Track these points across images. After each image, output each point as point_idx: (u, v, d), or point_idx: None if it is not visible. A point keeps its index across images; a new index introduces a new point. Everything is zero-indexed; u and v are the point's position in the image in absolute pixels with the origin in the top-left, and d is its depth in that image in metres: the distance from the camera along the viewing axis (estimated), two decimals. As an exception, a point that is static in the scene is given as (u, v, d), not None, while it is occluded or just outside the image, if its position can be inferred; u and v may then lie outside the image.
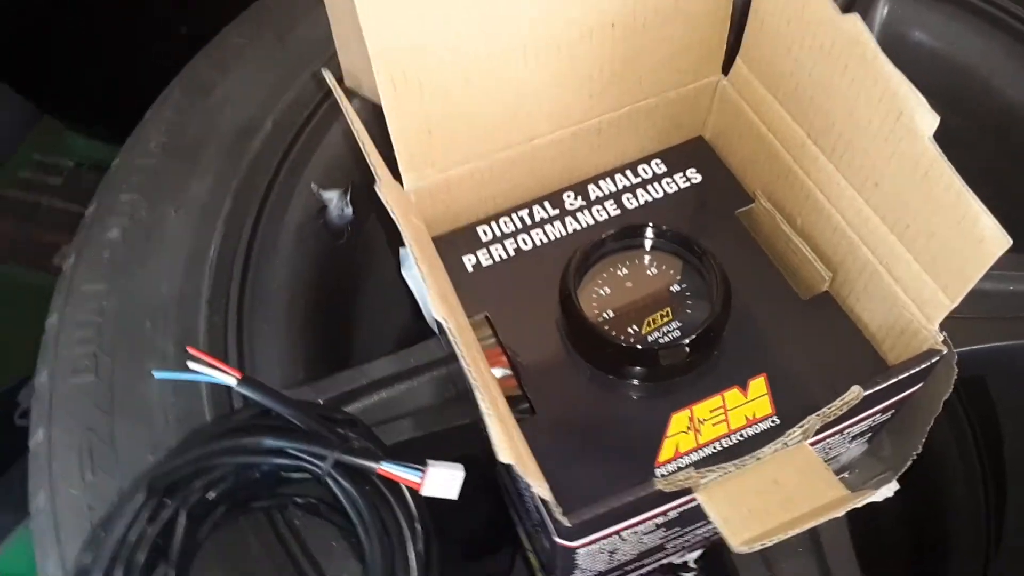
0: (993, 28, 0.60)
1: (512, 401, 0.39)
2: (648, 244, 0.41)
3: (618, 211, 0.44)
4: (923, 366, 0.34)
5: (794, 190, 0.40)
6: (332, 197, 0.55)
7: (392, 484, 0.37)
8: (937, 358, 0.34)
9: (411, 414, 0.43)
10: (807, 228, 0.41)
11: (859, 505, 0.32)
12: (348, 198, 0.53)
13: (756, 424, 0.36)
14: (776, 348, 0.39)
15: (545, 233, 0.44)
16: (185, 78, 0.61)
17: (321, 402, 0.44)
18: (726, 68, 0.44)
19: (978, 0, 0.61)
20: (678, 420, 0.37)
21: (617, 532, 0.33)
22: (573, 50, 0.39)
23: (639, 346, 0.38)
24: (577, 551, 0.34)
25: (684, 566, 0.46)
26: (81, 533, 0.40)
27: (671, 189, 0.45)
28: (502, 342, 0.40)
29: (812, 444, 0.36)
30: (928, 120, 0.31)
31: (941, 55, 0.63)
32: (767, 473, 0.34)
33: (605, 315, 0.39)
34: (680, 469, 0.35)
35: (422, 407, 0.43)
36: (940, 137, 0.67)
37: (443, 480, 0.37)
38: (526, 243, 0.43)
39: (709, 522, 0.33)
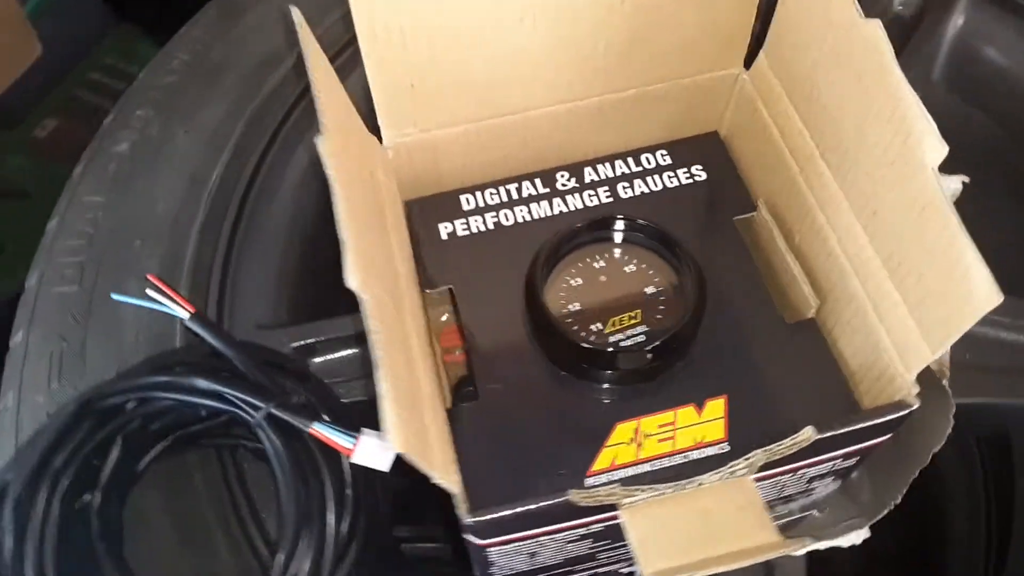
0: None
1: (459, 382, 0.38)
2: (629, 239, 0.38)
3: (611, 199, 0.42)
4: (888, 418, 0.31)
5: (796, 204, 0.37)
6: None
7: (329, 447, 0.37)
8: (907, 411, 0.31)
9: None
10: (804, 247, 0.38)
11: (791, 554, 0.30)
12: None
13: (704, 448, 0.34)
14: (746, 370, 0.36)
15: (530, 211, 0.41)
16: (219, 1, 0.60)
17: (288, 350, 0.44)
18: (749, 61, 0.40)
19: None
20: (622, 430, 0.35)
21: (532, 537, 0.32)
22: (577, 19, 0.36)
23: (596, 346, 0.36)
24: (487, 549, 0.32)
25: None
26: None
27: (671, 184, 0.42)
28: (460, 319, 0.38)
29: (760, 480, 0.33)
30: (935, 149, 0.28)
31: (1015, 77, 0.58)
32: (700, 503, 0.32)
33: (571, 308, 0.37)
34: (611, 482, 0.33)
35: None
36: (990, 170, 0.62)
37: (374, 450, 0.36)
38: (508, 218, 0.41)
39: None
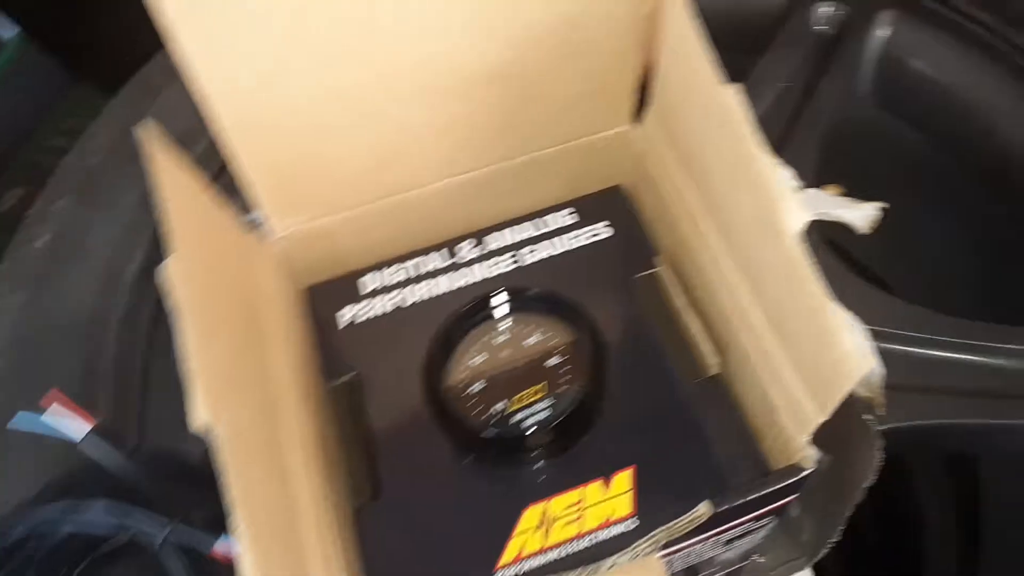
0: (996, 64, 0.55)
1: (358, 481, 0.36)
2: (525, 309, 0.38)
3: (514, 265, 0.41)
4: (785, 484, 0.30)
5: (692, 261, 0.37)
6: (255, 217, 0.53)
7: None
8: (802, 475, 0.30)
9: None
10: (702, 302, 0.37)
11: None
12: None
13: (612, 526, 0.33)
14: (653, 436, 0.35)
15: (430, 288, 0.41)
16: (140, 77, 0.60)
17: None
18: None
19: (984, 32, 0.56)
20: (530, 515, 0.34)
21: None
22: (458, 94, 0.36)
23: (498, 428, 0.35)
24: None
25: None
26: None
27: (575, 244, 0.41)
28: (362, 411, 0.37)
29: (671, 553, 0.32)
30: (796, 217, 0.27)
31: (941, 87, 0.57)
32: (607, 589, 0.31)
33: (475, 388, 0.36)
34: None
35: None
36: (931, 178, 0.61)
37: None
38: (411, 296, 0.40)
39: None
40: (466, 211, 0.41)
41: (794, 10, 0.57)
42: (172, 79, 0.60)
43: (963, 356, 0.43)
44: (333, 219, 0.39)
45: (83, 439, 0.37)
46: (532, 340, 0.37)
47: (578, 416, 0.35)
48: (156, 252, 0.52)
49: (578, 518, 0.33)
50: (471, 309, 0.37)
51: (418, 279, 0.41)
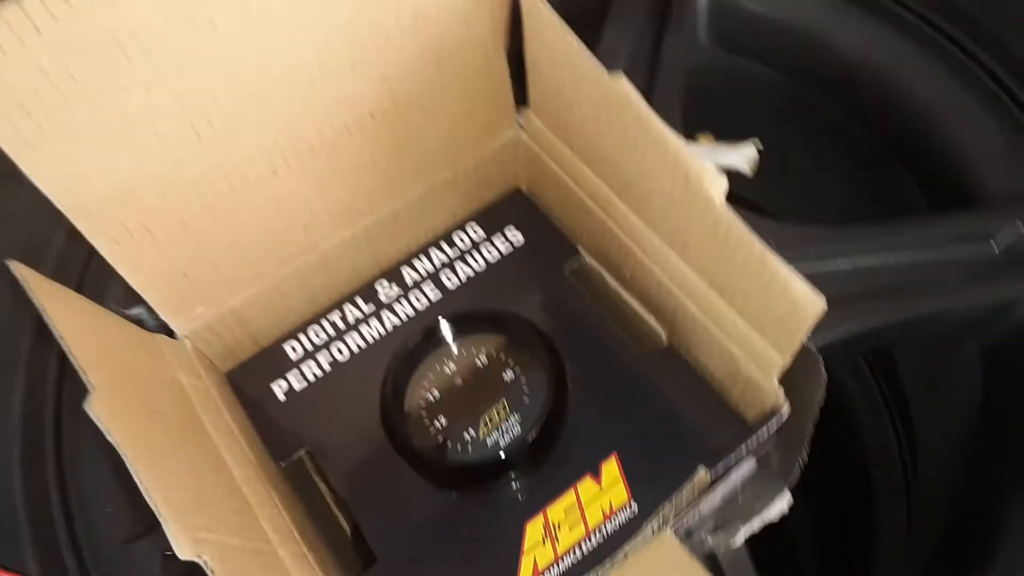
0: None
1: (346, 555, 0.35)
2: (465, 332, 0.37)
3: (439, 294, 0.40)
4: (767, 428, 0.32)
5: (615, 244, 0.37)
6: (141, 312, 0.49)
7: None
8: (781, 416, 0.32)
9: None
10: (636, 281, 0.38)
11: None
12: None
13: (614, 516, 0.34)
14: (625, 420, 0.36)
15: (362, 336, 0.39)
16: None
17: (161, 557, 0.40)
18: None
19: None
20: (533, 530, 0.34)
21: None
22: (333, 150, 0.34)
23: (475, 456, 0.34)
24: None
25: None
26: None
27: (492, 257, 0.41)
28: (329, 483, 0.36)
29: (678, 523, 0.33)
30: (717, 185, 0.28)
31: (776, 21, 0.61)
32: (631, 579, 0.31)
33: (438, 423, 0.36)
34: (540, 592, 0.32)
35: None
36: (784, 104, 0.65)
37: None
38: (342, 352, 0.39)
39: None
40: (373, 254, 0.40)
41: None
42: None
43: (855, 263, 0.45)
44: (236, 301, 0.36)
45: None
46: (481, 360, 0.37)
47: (549, 422, 0.35)
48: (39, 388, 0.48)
49: (581, 518, 0.34)
50: (412, 348, 0.37)
51: (346, 331, 0.39)
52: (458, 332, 0.37)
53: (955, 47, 0.52)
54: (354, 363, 0.38)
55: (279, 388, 0.38)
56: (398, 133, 0.35)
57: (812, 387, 0.34)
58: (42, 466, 0.45)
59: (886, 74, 0.55)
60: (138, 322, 0.36)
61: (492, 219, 0.42)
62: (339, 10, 0.30)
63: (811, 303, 0.27)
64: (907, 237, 0.44)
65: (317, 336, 0.39)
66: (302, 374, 0.38)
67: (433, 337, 0.37)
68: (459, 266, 0.41)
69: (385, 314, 0.40)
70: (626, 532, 0.33)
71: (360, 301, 0.40)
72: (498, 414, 0.36)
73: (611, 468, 0.35)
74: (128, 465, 0.23)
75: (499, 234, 0.42)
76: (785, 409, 0.32)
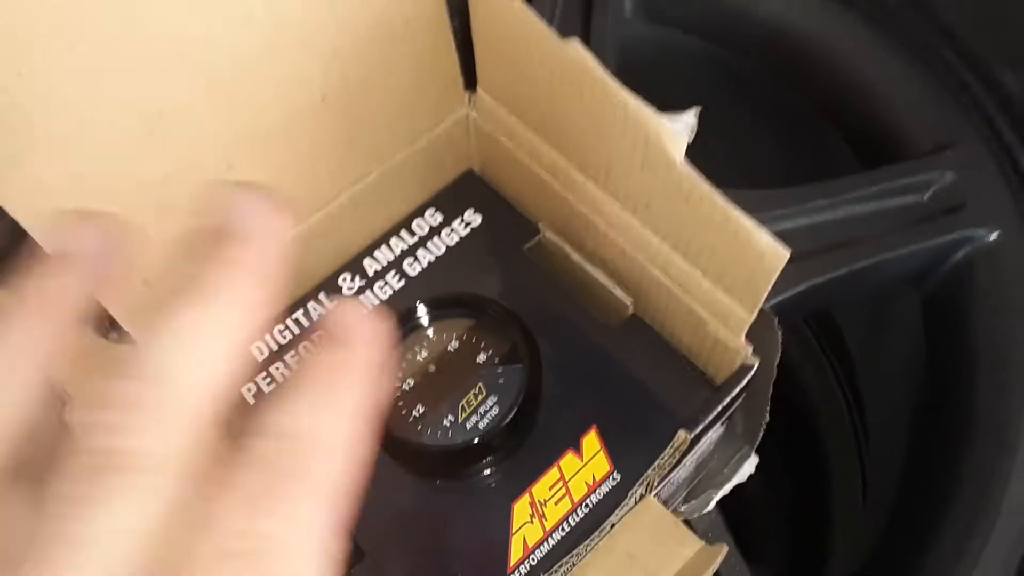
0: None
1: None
2: (433, 318, 0.37)
3: (402, 282, 0.40)
4: (741, 385, 0.32)
5: (573, 217, 0.37)
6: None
7: None
8: (751, 372, 0.33)
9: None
10: (598, 252, 0.38)
11: (718, 558, 0.30)
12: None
13: (598, 488, 0.34)
14: (598, 391, 0.36)
15: (328, 331, 0.38)
16: None
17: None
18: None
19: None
20: (520, 509, 0.33)
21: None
22: (287, 136, 0.33)
23: (456, 441, 0.34)
24: None
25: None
26: None
27: (452, 241, 0.41)
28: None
29: (660, 490, 0.33)
30: (677, 144, 0.28)
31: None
32: (619, 546, 0.31)
33: (416, 412, 0.35)
34: (533, 568, 0.32)
35: None
36: (714, 73, 0.66)
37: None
38: (309, 351, 0.38)
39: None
40: (334, 244, 0.39)
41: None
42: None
43: (796, 222, 0.46)
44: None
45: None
46: (453, 345, 0.37)
47: (527, 401, 0.35)
48: None
49: (566, 493, 0.34)
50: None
51: (307, 331, 0.39)
52: (428, 319, 0.37)
53: (876, 5, 0.54)
54: (322, 359, 0.38)
55: (247, 391, 0.37)
56: (351, 115, 0.35)
57: (769, 346, 0.35)
58: None
59: (807, 35, 0.56)
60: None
61: (449, 203, 0.42)
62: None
63: (776, 254, 0.28)
64: (843, 194, 0.45)
65: (282, 336, 0.38)
66: (271, 376, 0.37)
67: (402, 326, 0.37)
68: (420, 253, 0.40)
69: (349, 307, 0.39)
70: (611, 501, 0.33)
71: (322, 296, 0.39)
72: (475, 397, 0.35)
73: (591, 441, 0.35)
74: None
75: (458, 218, 0.41)
76: (755, 363, 0.33)
